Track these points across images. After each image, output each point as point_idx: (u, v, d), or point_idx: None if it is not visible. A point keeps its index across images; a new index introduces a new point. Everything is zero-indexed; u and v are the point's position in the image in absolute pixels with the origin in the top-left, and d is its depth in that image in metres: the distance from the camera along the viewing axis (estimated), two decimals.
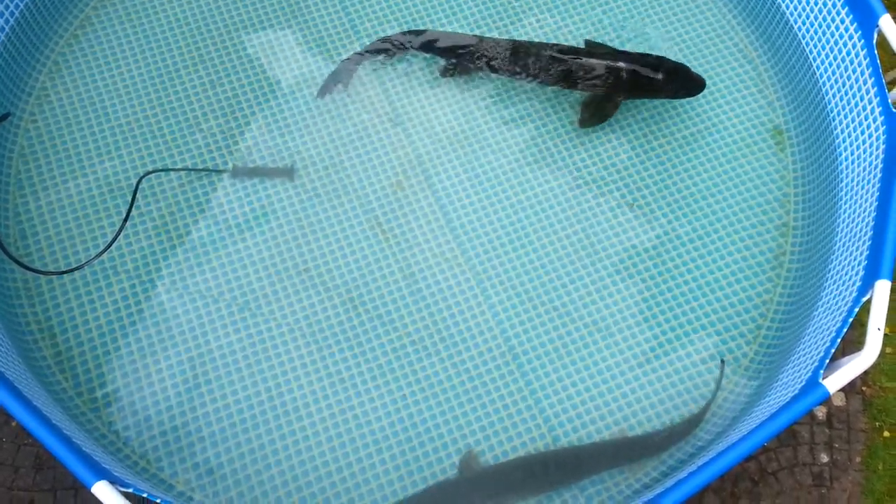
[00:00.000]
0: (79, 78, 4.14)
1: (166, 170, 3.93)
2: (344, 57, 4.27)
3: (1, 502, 3.37)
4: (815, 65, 4.05)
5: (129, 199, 3.80)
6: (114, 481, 2.60)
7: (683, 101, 4.24)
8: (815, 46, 4.04)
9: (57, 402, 3.30)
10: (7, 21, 3.92)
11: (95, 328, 3.60)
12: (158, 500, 2.67)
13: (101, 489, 2.54)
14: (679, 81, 4.05)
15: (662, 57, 4.09)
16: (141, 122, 4.07)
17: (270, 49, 4.28)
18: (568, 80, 4.06)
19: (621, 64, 4.01)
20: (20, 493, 3.40)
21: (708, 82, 4.32)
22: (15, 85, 4.02)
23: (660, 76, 4.00)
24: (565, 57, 4.04)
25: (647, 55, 4.09)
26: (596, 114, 4.11)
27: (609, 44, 4.35)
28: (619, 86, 4.03)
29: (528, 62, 4.08)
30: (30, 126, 4.01)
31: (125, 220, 3.74)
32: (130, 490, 2.63)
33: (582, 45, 4.28)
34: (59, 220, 3.82)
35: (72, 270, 3.66)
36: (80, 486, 3.36)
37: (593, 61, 4.02)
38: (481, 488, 3.36)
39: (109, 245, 3.69)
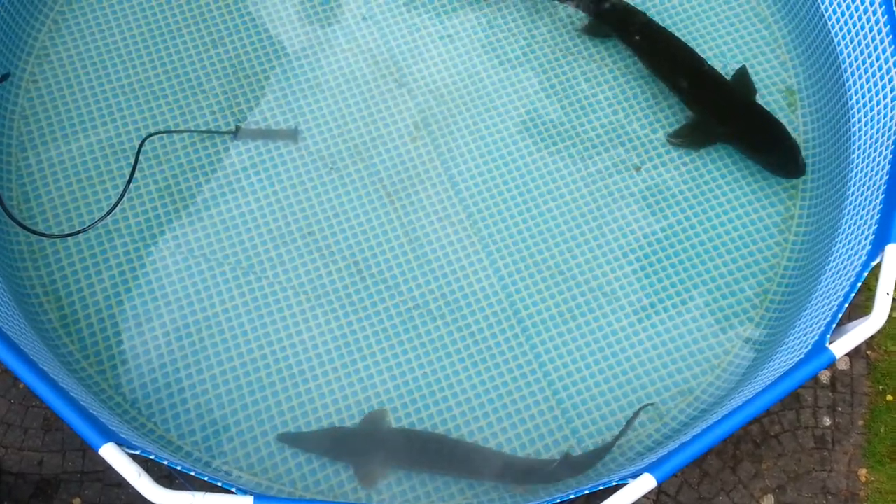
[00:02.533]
0: (79, 37, 4.08)
1: (169, 131, 3.89)
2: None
3: (11, 463, 3.42)
4: (829, 23, 3.95)
5: (132, 161, 3.77)
6: (121, 443, 2.63)
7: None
8: (831, 4, 3.93)
9: (63, 364, 3.33)
10: None
11: (101, 291, 3.61)
12: (165, 462, 2.70)
13: (108, 451, 2.57)
14: (784, 160, 3.86)
15: (784, 127, 3.89)
16: (143, 82, 4.01)
17: (273, 7, 4.20)
18: (690, 95, 3.98)
19: (751, 117, 3.90)
20: (30, 454, 3.45)
21: (720, 41, 4.23)
22: (14, 44, 3.96)
23: (771, 145, 3.85)
24: (705, 81, 3.96)
25: (774, 120, 3.90)
26: (693, 139, 3.99)
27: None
28: (730, 128, 3.92)
29: (671, 68, 4.02)
30: (30, 86, 3.96)
31: (128, 182, 3.72)
32: (138, 452, 2.66)
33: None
34: (63, 182, 3.80)
35: (76, 233, 3.65)
36: (88, 447, 3.39)
37: (726, 98, 3.95)
38: (377, 446, 3.35)
39: (113, 208, 3.67)
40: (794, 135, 3.89)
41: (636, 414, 3.45)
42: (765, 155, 3.90)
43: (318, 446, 3.36)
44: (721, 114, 3.97)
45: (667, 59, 4.04)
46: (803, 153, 3.95)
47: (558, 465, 3.34)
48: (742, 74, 4.09)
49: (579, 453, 3.40)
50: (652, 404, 3.49)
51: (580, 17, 4.26)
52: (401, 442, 3.41)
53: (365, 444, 3.37)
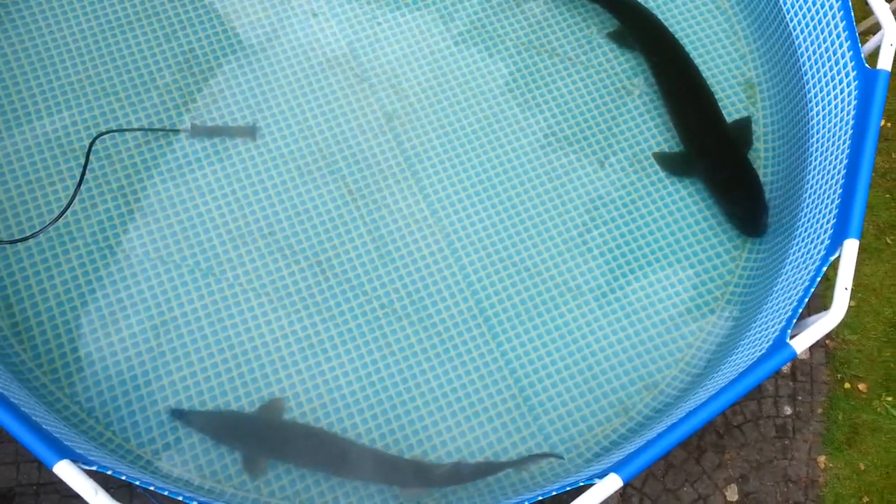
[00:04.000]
0: (23, 31, 3.91)
1: (120, 130, 3.76)
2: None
3: None
4: (787, 16, 3.98)
5: (83, 161, 3.64)
6: (76, 459, 2.54)
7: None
8: None
9: (15, 374, 3.21)
10: None
11: (53, 297, 3.48)
12: (123, 477, 2.62)
13: (63, 469, 2.48)
14: (748, 214, 3.77)
15: (760, 187, 3.81)
16: (92, 78, 3.87)
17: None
18: (680, 118, 3.96)
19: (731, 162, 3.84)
20: None
21: (680, 34, 4.23)
22: None
23: (741, 199, 3.79)
24: (707, 121, 3.92)
25: (753, 176, 3.82)
26: (670, 166, 3.95)
27: None
28: (709, 169, 3.86)
29: (683, 100, 3.98)
30: None
31: (79, 183, 3.58)
32: (94, 468, 2.57)
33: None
34: (10, 184, 3.65)
35: (26, 238, 3.51)
36: None
37: (713, 137, 3.90)
38: (265, 436, 3.33)
39: (64, 210, 3.54)
40: (766, 197, 3.81)
41: (536, 456, 3.36)
42: (731, 205, 3.82)
43: (208, 427, 3.31)
44: (706, 153, 3.89)
45: (682, 91, 3.98)
46: (762, 144, 3.98)
47: (446, 471, 3.30)
48: (745, 124, 4.03)
49: (471, 465, 3.33)
50: (561, 458, 3.39)
51: (603, 21, 4.21)
52: (289, 435, 3.35)
53: (253, 433, 3.32)
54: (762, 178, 3.92)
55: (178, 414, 3.31)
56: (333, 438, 3.34)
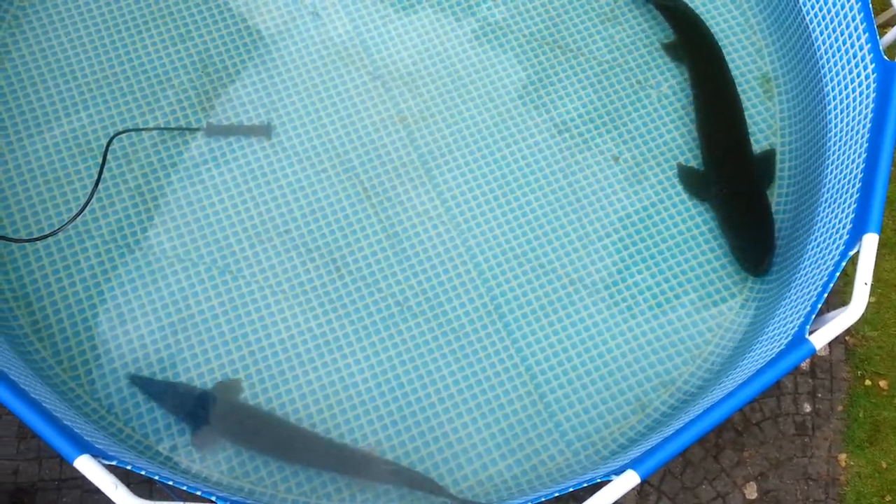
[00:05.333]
0: (41, 34, 3.95)
1: (137, 129, 3.79)
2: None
3: None
4: (804, 10, 3.94)
5: (101, 160, 3.67)
6: (96, 454, 2.57)
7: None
8: None
9: (36, 372, 3.25)
10: None
11: (73, 295, 3.52)
12: (143, 472, 2.64)
13: (83, 463, 2.51)
14: (753, 255, 3.68)
15: (772, 226, 3.72)
16: (109, 79, 3.90)
17: (243, 0, 4.10)
18: (714, 155, 3.86)
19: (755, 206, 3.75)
20: (4, 462, 3.37)
21: None
22: None
23: (749, 236, 3.71)
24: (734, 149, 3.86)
25: (767, 214, 3.73)
26: (694, 185, 3.89)
27: None
28: (723, 199, 3.78)
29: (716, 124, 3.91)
30: None
31: (97, 182, 3.62)
32: (114, 462, 2.60)
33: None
34: (30, 183, 3.69)
35: (45, 237, 3.55)
36: None
37: (735, 167, 3.83)
38: (218, 414, 3.34)
39: (82, 209, 3.57)
40: (775, 238, 3.72)
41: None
42: (738, 240, 3.73)
43: (161, 398, 3.33)
44: (725, 182, 3.81)
45: (718, 113, 3.92)
46: (779, 139, 3.95)
47: (393, 469, 3.28)
48: (769, 157, 3.94)
49: (421, 474, 3.30)
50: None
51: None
52: (240, 417, 3.37)
53: (205, 410, 3.33)
54: (780, 174, 3.88)
55: (136, 380, 3.35)
56: (283, 423, 3.34)
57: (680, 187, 3.91)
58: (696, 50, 4.09)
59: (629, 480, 2.63)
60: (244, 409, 3.37)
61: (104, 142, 3.73)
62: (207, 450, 3.27)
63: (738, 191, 3.79)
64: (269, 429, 3.34)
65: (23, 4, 3.99)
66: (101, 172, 3.63)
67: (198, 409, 3.32)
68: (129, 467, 2.65)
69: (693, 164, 3.96)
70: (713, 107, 3.96)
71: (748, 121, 3.99)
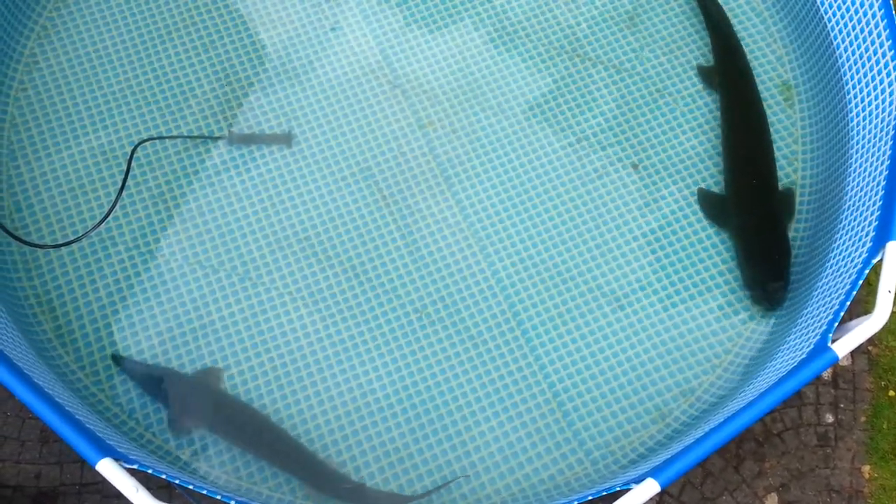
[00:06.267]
0: (68, 43, 4.03)
1: (161, 137, 3.85)
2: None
3: (8, 476, 3.39)
4: (826, 17, 3.92)
5: (125, 168, 3.73)
6: (118, 458, 2.59)
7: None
8: None
9: (59, 376, 3.29)
10: None
11: (96, 301, 3.57)
12: (164, 476, 2.67)
13: (105, 466, 2.54)
14: (764, 290, 3.61)
15: (788, 262, 3.65)
16: (133, 88, 3.97)
17: (265, 10, 4.15)
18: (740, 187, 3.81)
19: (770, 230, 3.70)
20: (27, 466, 3.42)
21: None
22: (3, 52, 3.91)
23: (764, 270, 3.64)
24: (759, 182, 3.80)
25: (786, 249, 3.66)
26: (713, 211, 3.84)
27: None
28: (742, 228, 3.73)
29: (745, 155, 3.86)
30: (20, 95, 3.91)
31: (121, 189, 3.68)
32: (135, 466, 2.63)
33: None
34: (55, 191, 3.76)
35: (69, 243, 3.61)
36: None
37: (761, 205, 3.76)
38: (196, 400, 3.38)
39: (107, 216, 3.63)
40: (790, 273, 3.65)
41: (448, 482, 3.30)
42: (751, 271, 3.67)
43: (142, 379, 3.37)
44: (746, 213, 3.75)
45: (746, 143, 3.87)
46: (800, 146, 3.92)
47: (353, 487, 3.26)
48: (789, 195, 3.87)
49: (383, 491, 3.28)
50: (468, 476, 3.33)
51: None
52: (218, 405, 3.39)
53: (184, 394, 3.36)
54: (801, 182, 3.85)
55: (116, 360, 3.40)
56: (259, 418, 3.35)
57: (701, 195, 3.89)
58: (732, 82, 4.02)
59: (649, 489, 2.61)
60: (222, 397, 3.39)
61: (128, 150, 3.79)
62: (181, 433, 3.31)
63: (761, 226, 3.72)
64: (242, 417, 3.37)
65: (51, 16, 4.07)
66: (125, 180, 3.69)
67: (176, 392, 3.36)
68: (149, 471, 2.67)
69: (711, 175, 3.94)
70: (743, 141, 3.88)
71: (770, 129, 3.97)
